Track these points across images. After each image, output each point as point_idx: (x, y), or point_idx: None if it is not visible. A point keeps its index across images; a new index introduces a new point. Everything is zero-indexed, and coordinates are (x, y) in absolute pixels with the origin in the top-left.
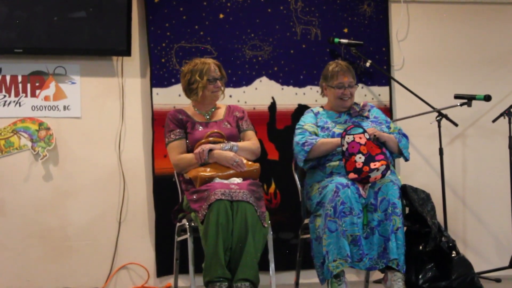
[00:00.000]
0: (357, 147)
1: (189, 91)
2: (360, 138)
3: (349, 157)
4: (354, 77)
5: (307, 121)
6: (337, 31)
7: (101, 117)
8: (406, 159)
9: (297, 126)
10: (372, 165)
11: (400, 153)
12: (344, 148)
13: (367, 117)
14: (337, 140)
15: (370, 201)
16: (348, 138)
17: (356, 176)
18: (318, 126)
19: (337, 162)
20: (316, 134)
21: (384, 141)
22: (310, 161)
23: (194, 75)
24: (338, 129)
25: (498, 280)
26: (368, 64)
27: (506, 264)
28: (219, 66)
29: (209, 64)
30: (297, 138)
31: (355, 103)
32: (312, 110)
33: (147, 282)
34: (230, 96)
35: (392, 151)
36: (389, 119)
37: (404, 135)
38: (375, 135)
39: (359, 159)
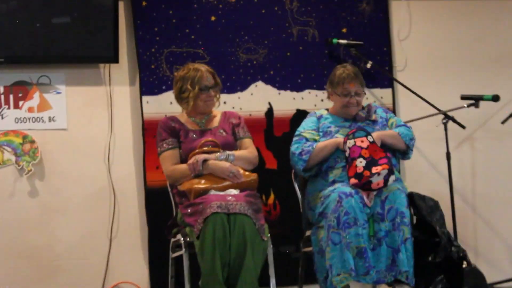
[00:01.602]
0: (358, 151)
1: (180, 99)
2: (362, 141)
3: (351, 162)
4: (363, 84)
5: (307, 127)
6: (335, 31)
7: (89, 128)
8: (409, 148)
9: (295, 133)
10: (374, 170)
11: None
12: (346, 154)
13: (375, 121)
14: (334, 140)
15: (376, 211)
16: (350, 143)
17: (357, 181)
18: (320, 132)
19: (340, 170)
20: (315, 141)
21: (390, 143)
22: (311, 169)
23: (186, 83)
24: (340, 135)
25: None
26: (369, 66)
27: None
28: (212, 73)
29: (201, 71)
30: (293, 148)
31: (362, 108)
32: (314, 113)
33: None
34: (225, 102)
35: (400, 149)
36: (390, 115)
37: (402, 125)
38: (380, 139)
39: (360, 163)
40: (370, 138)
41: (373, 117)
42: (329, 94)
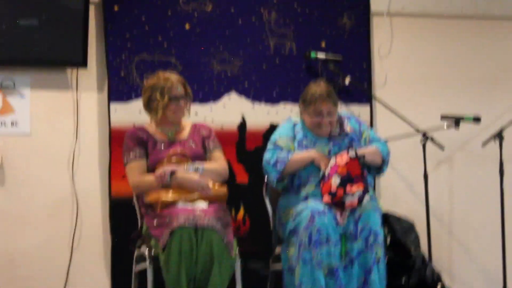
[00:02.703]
0: (335, 169)
1: (149, 109)
2: (342, 156)
3: (327, 179)
4: (336, 104)
5: (282, 134)
6: (313, 45)
7: (53, 135)
8: (385, 162)
9: (270, 139)
10: (348, 189)
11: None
12: (326, 172)
13: (347, 134)
14: (309, 155)
15: (349, 230)
16: (331, 162)
17: (329, 199)
18: (295, 139)
19: (313, 186)
20: (290, 151)
21: (370, 160)
22: (283, 180)
23: (155, 92)
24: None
25: None
26: (347, 81)
27: None
28: (183, 83)
29: (171, 81)
30: (266, 156)
31: None
32: (290, 120)
33: None
34: (196, 113)
35: (376, 165)
36: (363, 127)
37: (378, 140)
38: (363, 156)
39: (334, 182)
40: (351, 153)
41: (348, 129)
42: (301, 112)
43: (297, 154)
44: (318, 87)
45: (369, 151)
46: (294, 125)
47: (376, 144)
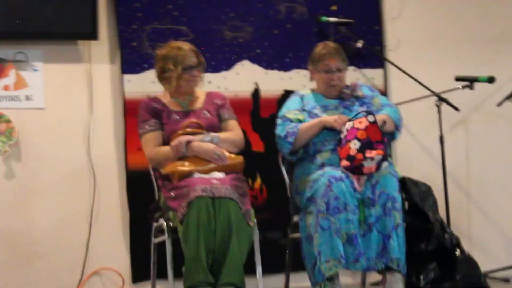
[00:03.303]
0: (354, 133)
1: (162, 79)
2: (360, 122)
3: (344, 144)
4: (345, 60)
5: (291, 107)
6: (324, 8)
7: (67, 108)
8: (398, 128)
9: (278, 115)
10: (368, 154)
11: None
12: (342, 136)
13: (360, 97)
14: (319, 120)
15: (367, 195)
16: (348, 125)
17: (348, 163)
18: (304, 111)
19: (329, 153)
20: (300, 122)
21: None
22: (297, 152)
23: (168, 62)
24: (326, 115)
25: (506, 280)
26: (359, 45)
27: None
28: (196, 52)
29: (184, 50)
30: (278, 131)
31: (345, 85)
32: (297, 93)
33: None
34: (209, 82)
35: (390, 131)
36: (375, 93)
37: (388, 105)
38: (385, 122)
39: (354, 145)
40: (370, 118)
41: (359, 93)
42: (311, 72)
43: (307, 123)
44: (325, 45)
45: (383, 118)
46: (302, 97)
47: (388, 109)
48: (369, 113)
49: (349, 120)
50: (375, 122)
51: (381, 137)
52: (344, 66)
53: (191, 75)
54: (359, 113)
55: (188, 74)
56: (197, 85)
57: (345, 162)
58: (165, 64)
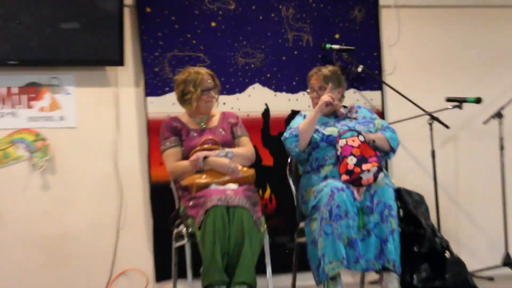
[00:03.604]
0: (349, 149)
1: (183, 101)
2: (353, 141)
3: (342, 160)
4: (332, 82)
5: (295, 123)
6: (328, 37)
7: (97, 127)
8: (394, 150)
9: (286, 129)
10: (364, 167)
11: (391, 149)
12: (338, 153)
13: (355, 118)
14: (312, 116)
15: (366, 204)
16: (341, 142)
17: (348, 177)
18: None
19: (331, 166)
20: None
21: (377, 145)
22: (305, 151)
23: (188, 85)
24: (327, 132)
25: (490, 279)
26: (359, 69)
27: (499, 262)
28: (212, 76)
29: (202, 74)
30: (283, 136)
31: (343, 106)
32: (301, 114)
33: (147, 287)
34: (224, 103)
35: (384, 150)
36: (374, 116)
37: (388, 127)
38: (373, 140)
39: (351, 161)
40: (361, 138)
41: (354, 115)
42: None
43: (303, 121)
44: (316, 68)
45: (376, 137)
46: (304, 116)
47: (388, 132)
48: (359, 133)
49: (341, 138)
50: (365, 141)
51: (373, 152)
52: (333, 88)
53: (209, 96)
54: (350, 130)
55: (206, 96)
56: (213, 105)
57: (345, 177)
58: (186, 87)
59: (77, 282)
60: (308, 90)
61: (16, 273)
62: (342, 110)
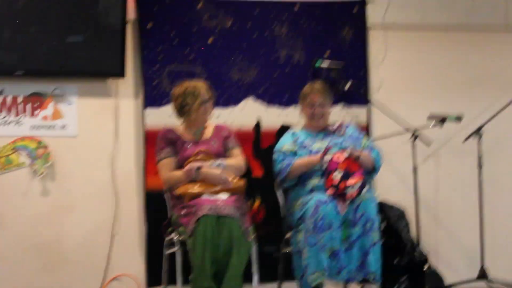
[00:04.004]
0: (334, 165)
1: (181, 113)
2: (338, 157)
3: (327, 175)
4: (327, 98)
5: (284, 142)
6: (319, 54)
7: (96, 136)
8: (376, 171)
9: (274, 150)
10: (349, 182)
11: (373, 169)
12: (323, 168)
13: (343, 135)
14: (310, 158)
15: (349, 217)
16: (327, 158)
17: (333, 191)
18: (295, 143)
19: (317, 179)
20: (294, 152)
21: (361, 161)
22: (287, 182)
23: (187, 98)
24: (315, 148)
25: None
26: (347, 86)
27: (475, 276)
28: (207, 88)
29: (199, 87)
30: (276, 168)
31: (331, 124)
32: (290, 131)
33: None
34: (218, 116)
35: (367, 168)
36: (362, 134)
37: (374, 148)
38: (358, 157)
39: (335, 177)
40: (346, 154)
41: (341, 133)
42: (301, 109)
43: (299, 160)
44: (311, 85)
45: (362, 154)
46: (293, 133)
47: (374, 152)
48: (344, 149)
49: (327, 154)
50: (350, 156)
51: (358, 167)
52: (327, 103)
53: (205, 107)
54: (336, 145)
55: (203, 107)
56: (209, 116)
57: (330, 190)
58: (185, 99)
59: (72, 285)
60: (301, 105)
61: (14, 275)
62: (330, 127)
